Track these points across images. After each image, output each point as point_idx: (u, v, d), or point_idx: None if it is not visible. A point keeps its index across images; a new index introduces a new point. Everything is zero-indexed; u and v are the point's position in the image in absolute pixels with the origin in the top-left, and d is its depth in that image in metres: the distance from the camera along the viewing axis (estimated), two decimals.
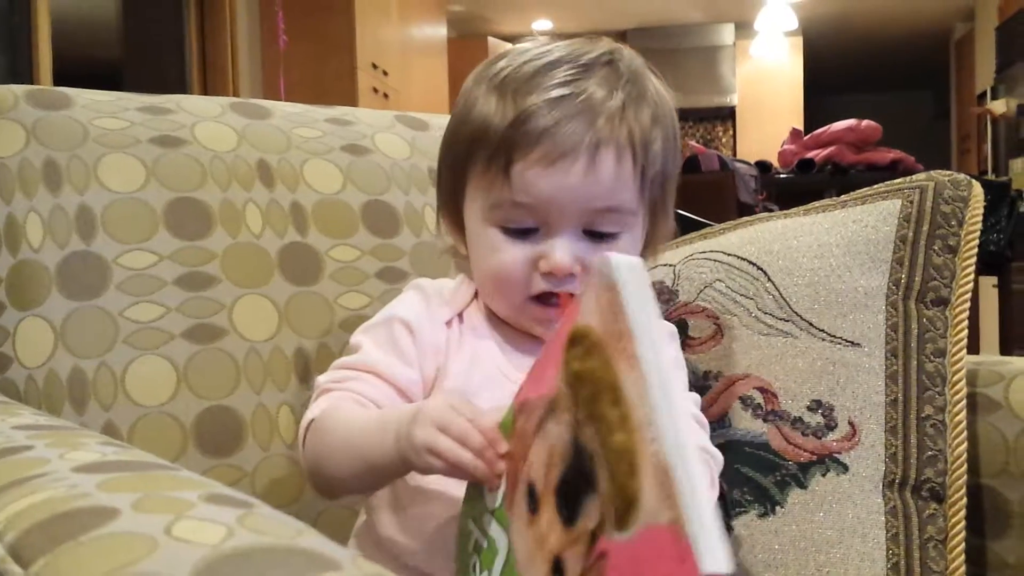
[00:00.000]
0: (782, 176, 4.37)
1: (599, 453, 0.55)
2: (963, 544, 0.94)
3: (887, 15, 8.56)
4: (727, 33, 9.22)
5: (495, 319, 0.94)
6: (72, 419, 0.92)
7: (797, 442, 0.98)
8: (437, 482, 0.84)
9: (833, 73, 9.78)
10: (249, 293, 1.04)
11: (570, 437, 0.59)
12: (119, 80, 4.80)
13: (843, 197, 1.07)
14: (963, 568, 0.93)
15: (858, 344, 0.98)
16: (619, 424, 0.53)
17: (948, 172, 1.04)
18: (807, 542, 0.95)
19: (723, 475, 0.98)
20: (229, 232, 1.05)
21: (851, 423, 0.97)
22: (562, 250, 0.85)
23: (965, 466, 0.95)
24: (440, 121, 1.24)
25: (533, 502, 0.63)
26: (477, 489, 0.74)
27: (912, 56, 9.79)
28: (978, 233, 1.00)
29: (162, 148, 1.04)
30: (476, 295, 0.96)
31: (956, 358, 0.98)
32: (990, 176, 6.58)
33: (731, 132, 9.39)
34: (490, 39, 8.19)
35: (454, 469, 0.71)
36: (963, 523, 0.94)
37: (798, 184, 4.23)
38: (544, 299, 0.88)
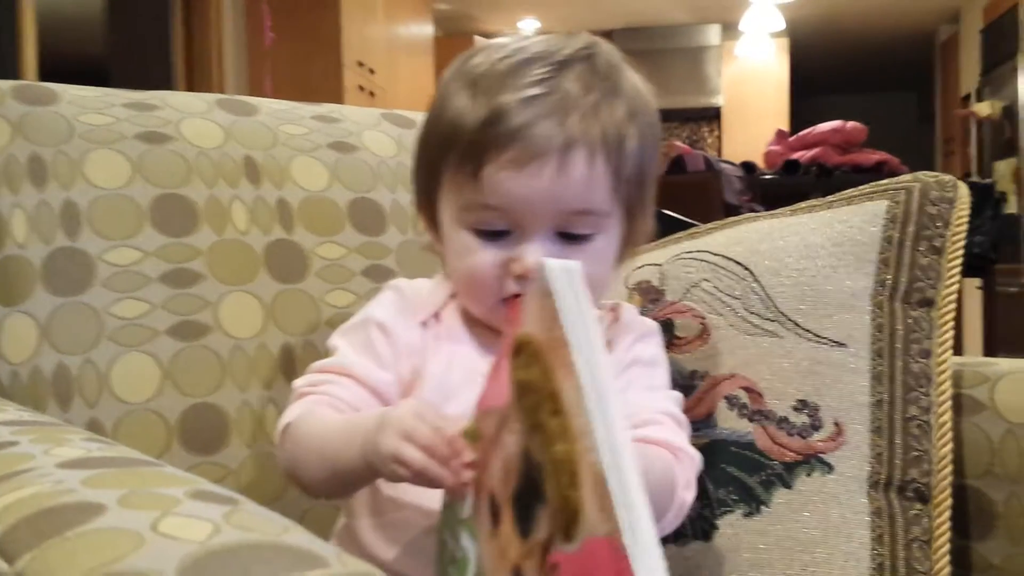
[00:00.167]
0: (768, 177, 4.37)
1: (545, 464, 0.54)
2: (948, 545, 0.94)
3: (873, 17, 8.58)
4: (713, 34, 9.22)
5: (472, 319, 0.93)
6: (57, 415, 0.92)
7: (783, 442, 0.98)
8: (413, 491, 0.83)
9: (819, 74, 9.81)
10: (235, 290, 1.04)
11: (520, 448, 0.58)
12: (105, 76, 4.77)
13: (830, 198, 1.07)
14: (948, 569, 0.94)
15: (844, 344, 0.98)
16: (560, 434, 0.52)
17: (934, 173, 1.04)
18: (792, 542, 0.95)
19: (708, 474, 0.98)
20: (215, 229, 1.05)
21: (836, 423, 0.97)
22: (534, 253, 0.83)
23: (950, 467, 0.95)
24: None
25: (495, 513, 0.62)
26: (450, 498, 0.73)
27: (897, 58, 9.83)
28: (964, 234, 1.00)
29: (148, 144, 1.04)
30: (454, 294, 0.95)
31: (941, 359, 0.98)
32: (975, 178, 6.60)
33: (716, 133, 9.39)
34: (476, 38, 8.18)
35: (419, 478, 0.70)
36: (948, 524, 0.95)
37: (784, 185, 4.22)
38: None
